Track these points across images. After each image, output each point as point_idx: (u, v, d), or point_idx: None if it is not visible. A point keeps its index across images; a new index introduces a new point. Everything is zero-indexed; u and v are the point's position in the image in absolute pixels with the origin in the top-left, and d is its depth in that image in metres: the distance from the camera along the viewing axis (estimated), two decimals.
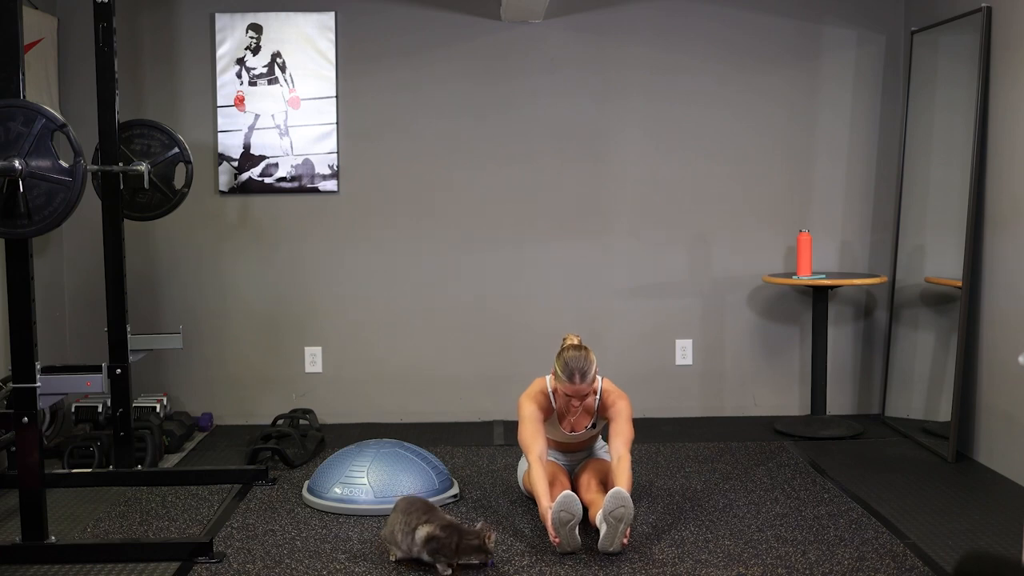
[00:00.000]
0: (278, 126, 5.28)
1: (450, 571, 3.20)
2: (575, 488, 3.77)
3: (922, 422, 5.01)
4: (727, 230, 5.39)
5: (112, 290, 4.34)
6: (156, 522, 3.80)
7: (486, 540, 3.19)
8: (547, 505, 3.42)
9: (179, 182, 4.63)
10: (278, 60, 5.24)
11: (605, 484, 3.69)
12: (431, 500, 3.82)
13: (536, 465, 3.57)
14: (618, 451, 3.65)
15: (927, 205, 5.06)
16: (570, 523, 3.36)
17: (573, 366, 3.64)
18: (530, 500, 3.96)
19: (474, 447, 4.81)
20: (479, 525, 3.26)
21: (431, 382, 5.39)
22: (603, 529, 3.35)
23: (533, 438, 3.64)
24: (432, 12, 5.27)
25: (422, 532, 3.20)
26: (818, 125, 5.37)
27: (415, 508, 3.28)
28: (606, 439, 3.92)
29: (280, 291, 5.37)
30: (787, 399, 5.46)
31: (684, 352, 5.43)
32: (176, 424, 4.92)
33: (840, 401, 5.42)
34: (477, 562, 3.25)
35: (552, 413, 3.79)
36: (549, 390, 3.79)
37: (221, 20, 5.23)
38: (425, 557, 3.22)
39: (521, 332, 5.34)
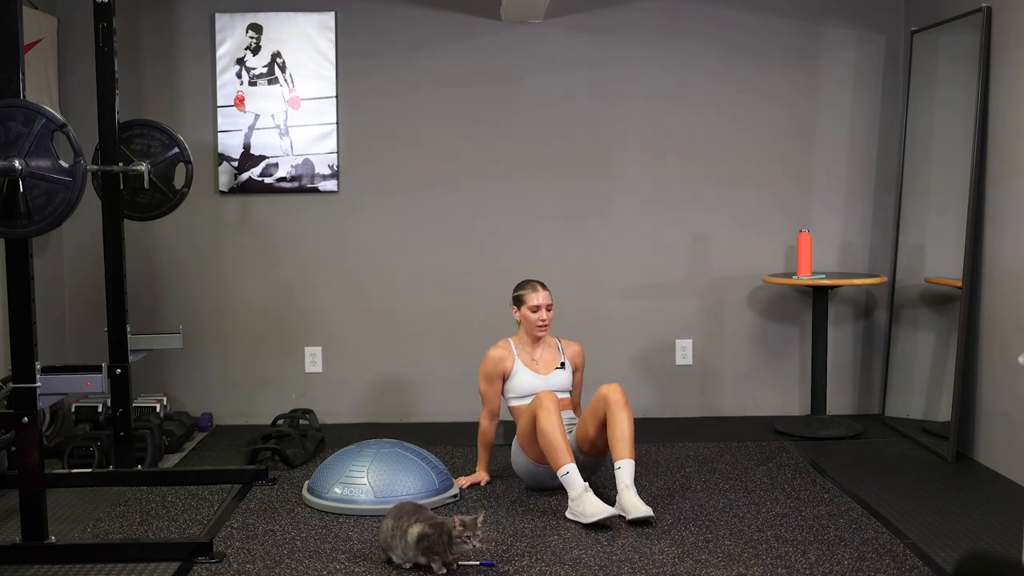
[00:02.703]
0: (278, 126, 5.28)
1: (445, 571, 3.20)
2: (579, 443, 4.03)
3: (922, 422, 5.01)
4: (727, 230, 5.39)
5: (112, 290, 4.34)
6: (156, 522, 3.80)
7: (456, 524, 3.16)
8: (481, 468, 4.26)
9: (179, 182, 4.63)
10: (278, 60, 5.24)
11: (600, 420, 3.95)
12: (431, 500, 3.84)
13: (481, 423, 4.25)
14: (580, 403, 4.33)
15: (927, 205, 5.06)
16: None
17: (532, 280, 4.23)
18: (529, 497, 3.97)
19: (474, 447, 4.78)
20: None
21: (431, 382, 5.39)
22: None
23: (482, 395, 4.24)
24: (432, 12, 5.27)
25: (413, 532, 3.21)
26: (818, 125, 5.37)
27: (405, 512, 3.29)
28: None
29: (280, 291, 5.37)
30: (787, 399, 5.46)
31: (684, 352, 5.43)
32: (176, 424, 4.92)
33: (840, 401, 5.42)
34: (477, 562, 3.26)
35: (514, 361, 4.18)
36: (511, 342, 4.24)
37: (221, 20, 5.23)
38: (421, 560, 3.22)
39: None
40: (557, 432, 3.77)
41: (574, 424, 4.12)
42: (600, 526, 3.62)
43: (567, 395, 4.23)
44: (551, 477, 3.94)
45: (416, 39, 5.28)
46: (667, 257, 5.40)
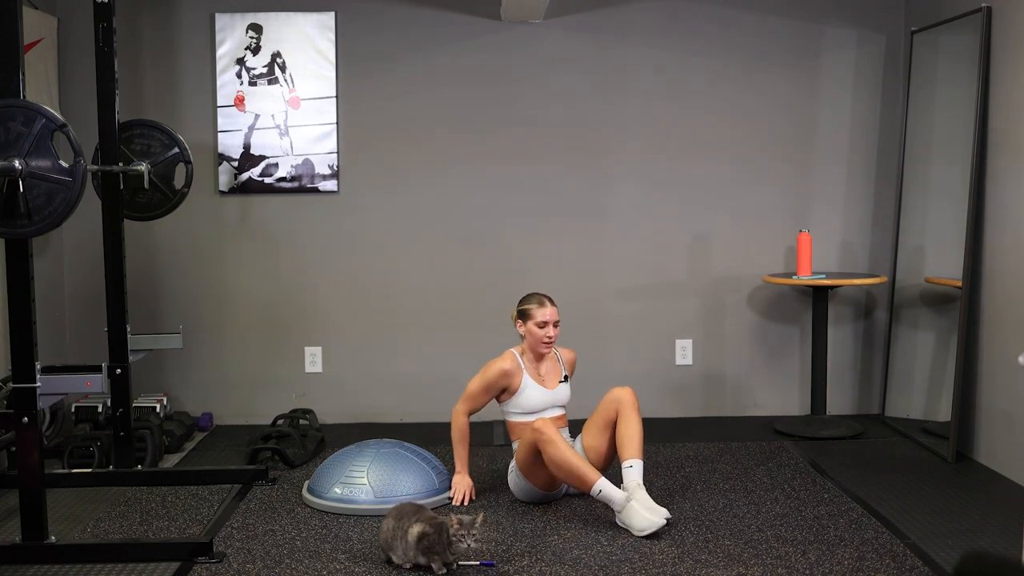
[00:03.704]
0: (278, 126, 5.28)
1: (445, 571, 3.20)
2: (586, 454, 3.95)
3: (922, 422, 5.02)
4: (727, 230, 5.39)
5: (112, 290, 4.34)
6: (156, 522, 3.80)
7: (453, 523, 3.16)
8: (460, 470, 4.05)
9: (179, 182, 4.63)
10: (278, 60, 5.25)
11: (611, 427, 3.95)
12: (431, 500, 3.84)
13: (459, 417, 4.05)
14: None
15: (927, 205, 5.06)
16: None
17: (539, 293, 4.10)
18: (530, 502, 3.97)
19: (474, 447, 4.77)
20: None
21: (431, 382, 5.39)
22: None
23: (472, 395, 4.05)
24: (432, 12, 5.27)
25: (413, 532, 3.21)
26: (818, 125, 5.37)
27: (405, 512, 3.29)
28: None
29: (280, 291, 5.37)
30: (787, 399, 5.46)
31: (684, 352, 5.43)
32: (176, 424, 4.92)
33: (840, 401, 5.42)
34: (477, 562, 3.26)
35: (522, 376, 4.03)
36: (518, 356, 4.07)
37: (221, 20, 5.23)
38: (421, 560, 3.22)
39: None
40: (571, 457, 3.68)
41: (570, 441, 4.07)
42: (599, 526, 3.63)
43: (563, 411, 4.12)
44: (552, 496, 3.94)
45: (416, 39, 5.28)
46: (667, 257, 5.40)
